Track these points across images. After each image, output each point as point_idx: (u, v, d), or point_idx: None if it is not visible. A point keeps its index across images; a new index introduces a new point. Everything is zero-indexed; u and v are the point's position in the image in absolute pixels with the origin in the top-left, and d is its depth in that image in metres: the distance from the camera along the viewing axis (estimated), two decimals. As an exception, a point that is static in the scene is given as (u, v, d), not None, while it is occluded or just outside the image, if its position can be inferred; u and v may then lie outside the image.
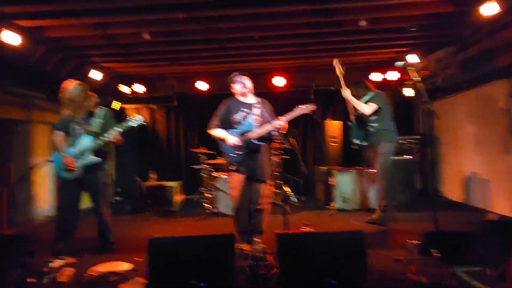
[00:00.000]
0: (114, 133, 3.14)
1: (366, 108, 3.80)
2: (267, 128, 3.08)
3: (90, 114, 3.26)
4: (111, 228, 3.41)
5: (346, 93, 3.84)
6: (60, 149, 3.25)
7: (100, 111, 3.33)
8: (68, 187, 3.25)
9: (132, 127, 3.20)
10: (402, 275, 2.46)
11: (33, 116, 5.21)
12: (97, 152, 3.22)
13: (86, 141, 3.18)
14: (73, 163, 3.15)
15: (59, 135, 3.30)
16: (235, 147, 3.13)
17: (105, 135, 3.15)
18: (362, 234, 2.33)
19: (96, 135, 3.21)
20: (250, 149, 3.15)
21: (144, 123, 3.24)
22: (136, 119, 3.17)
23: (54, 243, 3.20)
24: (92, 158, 3.20)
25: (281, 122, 2.99)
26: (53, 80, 4.97)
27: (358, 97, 3.97)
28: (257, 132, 3.12)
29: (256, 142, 3.14)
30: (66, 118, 3.25)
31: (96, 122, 3.26)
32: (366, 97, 3.93)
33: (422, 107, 3.35)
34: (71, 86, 3.16)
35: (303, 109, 3.02)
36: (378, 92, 3.99)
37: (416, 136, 5.64)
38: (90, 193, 3.32)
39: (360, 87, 4.01)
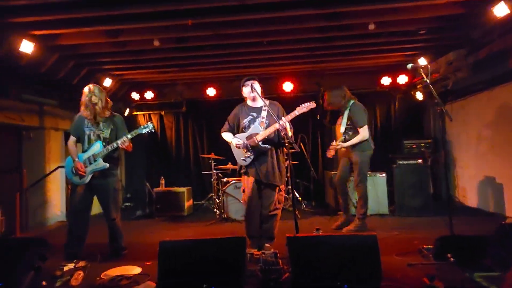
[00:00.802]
0: (124, 140, 3.17)
1: (366, 133, 3.87)
2: (270, 129, 3.09)
3: (104, 120, 3.32)
4: (122, 233, 3.43)
5: (344, 145, 3.93)
6: (72, 154, 3.30)
7: (113, 117, 3.39)
8: (78, 192, 3.27)
9: (141, 134, 3.24)
10: (417, 280, 2.40)
11: (45, 123, 5.31)
12: (108, 157, 3.25)
13: (97, 147, 3.23)
14: (82, 168, 3.19)
15: (72, 140, 3.36)
16: (241, 150, 3.15)
17: (115, 141, 3.20)
18: (375, 238, 2.29)
19: (107, 141, 3.27)
20: (257, 152, 3.16)
21: (153, 130, 3.27)
22: (145, 126, 3.22)
23: (66, 248, 3.23)
24: (102, 164, 3.22)
25: (283, 122, 2.99)
26: (65, 87, 5.09)
27: (337, 105, 4.05)
28: (261, 134, 3.13)
29: (261, 144, 3.14)
30: (79, 121, 3.32)
31: (108, 128, 3.32)
32: (347, 111, 3.99)
33: (434, 110, 3.31)
34: (92, 88, 3.26)
35: (303, 108, 3.03)
36: (355, 102, 4.03)
37: (427, 140, 5.56)
38: (100, 198, 3.34)
39: (339, 95, 4.01)
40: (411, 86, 5.87)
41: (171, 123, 6.73)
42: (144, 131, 3.21)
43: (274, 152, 3.22)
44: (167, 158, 6.69)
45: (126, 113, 6.49)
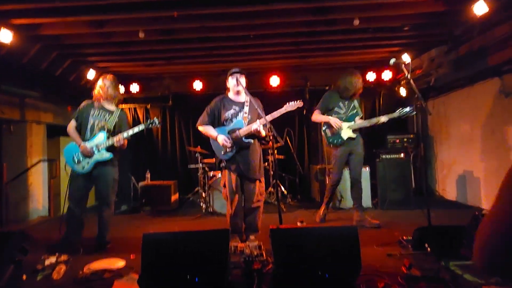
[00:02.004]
0: (127, 135, 3.22)
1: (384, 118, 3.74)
2: (254, 125, 3.09)
3: (110, 112, 3.34)
4: (109, 227, 3.42)
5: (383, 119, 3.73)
6: (76, 138, 3.29)
7: (119, 111, 3.40)
8: (78, 181, 3.28)
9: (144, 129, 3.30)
10: (396, 269, 2.48)
11: (27, 116, 5.18)
12: (110, 148, 3.26)
13: (101, 137, 3.25)
14: (90, 153, 3.20)
15: (72, 125, 3.34)
16: (229, 145, 3.15)
17: (114, 137, 3.22)
18: (355, 229, 2.34)
19: (111, 132, 3.29)
20: (239, 146, 3.17)
21: (159, 125, 3.34)
22: (152, 121, 3.28)
23: (65, 238, 3.25)
24: (105, 154, 3.25)
25: (267, 119, 3.01)
26: (48, 79, 4.97)
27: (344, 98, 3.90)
28: (244, 129, 3.13)
29: (244, 139, 3.15)
30: (86, 108, 3.33)
31: (113, 121, 3.33)
32: (357, 102, 3.89)
33: (415, 104, 3.38)
34: (106, 77, 3.35)
35: (290, 106, 3.05)
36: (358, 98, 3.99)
37: (410, 135, 5.69)
38: (99, 188, 3.33)
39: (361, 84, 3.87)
40: (395, 82, 5.98)
41: (157, 117, 6.66)
42: (151, 126, 3.27)
43: (254, 145, 3.23)
44: (153, 152, 6.64)
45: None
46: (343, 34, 4.40)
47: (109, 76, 3.36)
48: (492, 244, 0.75)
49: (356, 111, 3.88)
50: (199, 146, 5.31)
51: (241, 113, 3.21)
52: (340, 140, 3.82)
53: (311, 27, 4.16)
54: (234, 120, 3.21)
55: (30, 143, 5.27)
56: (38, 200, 5.33)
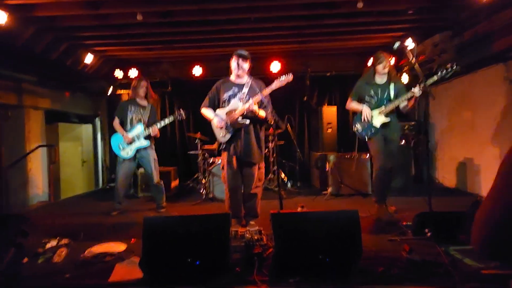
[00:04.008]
0: (160, 125, 4.12)
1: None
2: (248, 104, 3.04)
3: (145, 107, 4.21)
4: (162, 194, 4.32)
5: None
6: (120, 130, 4.12)
7: (148, 106, 4.26)
8: (124, 165, 4.14)
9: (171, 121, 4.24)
10: (396, 253, 2.49)
11: (24, 101, 5.12)
12: (147, 136, 4.10)
13: (139, 128, 4.10)
14: (131, 140, 4.07)
15: (116, 121, 4.18)
16: (221, 126, 3.12)
17: (151, 127, 4.08)
18: (356, 213, 2.33)
19: (146, 124, 4.13)
20: (236, 127, 3.13)
21: (184, 117, 4.17)
22: (180, 114, 4.11)
23: (114, 204, 4.24)
24: (145, 142, 4.11)
25: (259, 97, 2.96)
26: (44, 63, 4.88)
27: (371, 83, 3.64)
28: (240, 109, 3.09)
29: (240, 120, 3.12)
30: (124, 106, 4.18)
31: (146, 114, 4.18)
32: (393, 85, 3.55)
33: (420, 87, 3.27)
34: (141, 80, 4.25)
35: (281, 81, 2.99)
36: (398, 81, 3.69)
37: (411, 123, 5.65)
38: (144, 167, 4.26)
39: (390, 65, 3.59)
40: (397, 69, 5.90)
41: (156, 103, 6.60)
42: (178, 118, 4.12)
43: (253, 128, 3.17)
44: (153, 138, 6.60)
45: (109, 92, 6.32)
46: (345, 18, 4.31)
47: (143, 81, 4.25)
48: (489, 227, 0.73)
49: (387, 94, 3.56)
50: (199, 132, 5.28)
51: (239, 94, 3.16)
52: (373, 129, 3.56)
53: (313, 10, 4.07)
54: (232, 101, 3.17)
55: (29, 129, 5.23)
56: (38, 186, 5.33)
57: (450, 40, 4.57)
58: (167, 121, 4.14)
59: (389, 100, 3.54)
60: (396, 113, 3.59)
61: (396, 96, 3.52)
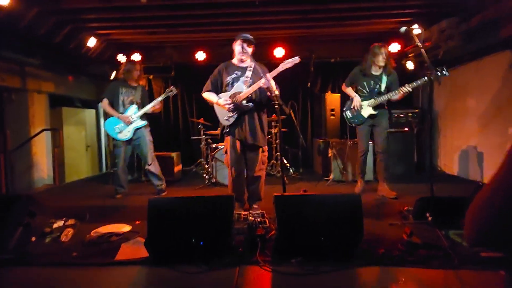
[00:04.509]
0: (155, 103, 4.08)
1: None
2: (254, 87, 3.03)
3: (136, 88, 4.17)
4: (159, 177, 4.27)
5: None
6: (113, 112, 4.06)
7: (139, 86, 4.22)
8: (123, 148, 4.12)
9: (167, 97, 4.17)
10: (397, 237, 2.53)
11: (28, 85, 5.12)
12: (142, 116, 4.08)
13: (133, 109, 4.08)
14: (129, 120, 4.03)
15: (106, 102, 4.09)
16: (225, 109, 3.11)
17: (151, 103, 4.08)
18: (358, 197, 2.36)
19: (139, 104, 4.11)
20: (240, 111, 3.13)
21: (175, 93, 4.21)
22: (171, 90, 4.09)
23: (116, 190, 4.24)
24: (141, 122, 4.09)
25: (266, 79, 2.96)
26: (48, 46, 4.86)
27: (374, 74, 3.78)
28: (244, 92, 3.08)
29: (244, 103, 3.11)
30: (114, 87, 4.12)
31: (139, 94, 4.15)
32: (385, 77, 3.72)
33: (423, 75, 3.29)
34: (134, 63, 4.26)
35: (287, 63, 2.97)
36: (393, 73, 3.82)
37: (415, 110, 5.63)
38: (140, 149, 4.19)
39: (387, 58, 3.74)
40: (402, 55, 5.83)
41: (160, 88, 6.59)
42: (170, 94, 4.11)
43: (257, 112, 3.18)
44: (156, 123, 6.60)
45: (112, 76, 6.30)
46: (351, 2, 4.24)
47: (138, 64, 4.25)
48: (486, 214, 0.73)
49: (379, 87, 3.76)
50: (202, 118, 5.28)
51: (243, 77, 3.15)
52: (361, 118, 3.85)
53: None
54: (235, 84, 3.16)
55: (33, 113, 5.25)
56: (43, 169, 5.39)
57: (457, 26, 4.50)
58: (159, 99, 4.08)
59: (379, 93, 3.74)
60: (386, 103, 3.80)
61: (388, 88, 3.72)
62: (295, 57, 2.97)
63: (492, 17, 3.90)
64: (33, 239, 2.58)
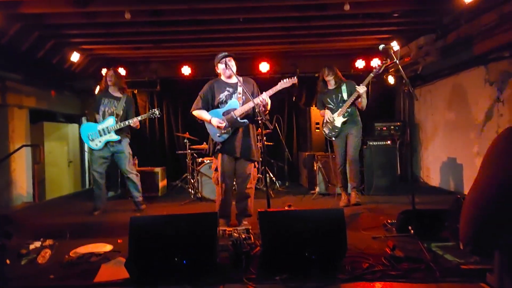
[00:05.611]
0: (135, 121, 3.92)
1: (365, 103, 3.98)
2: (250, 104, 3.06)
3: (118, 99, 4.03)
4: (137, 189, 4.16)
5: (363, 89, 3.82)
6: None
7: (126, 98, 4.08)
8: (96, 156, 4.02)
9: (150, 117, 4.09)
10: (380, 251, 2.55)
11: (9, 100, 5.01)
12: (119, 130, 3.93)
13: (110, 121, 3.93)
14: (100, 133, 3.93)
15: (97, 117, 4.05)
16: (219, 127, 3.12)
17: (127, 120, 3.92)
18: (342, 212, 2.38)
19: (119, 117, 3.96)
20: (234, 127, 3.14)
21: (159, 116, 4.03)
22: (153, 112, 3.96)
23: (94, 207, 4.11)
24: (115, 136, 3.93)
25: (263, 97, 2.99)
26: (30, 61, 4.79)
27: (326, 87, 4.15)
28: (239, 109, 3.11)
29: (240, 120, 3.13)
30: (98, 100, 4.05)
31: (121, 107, 4.00)
32: (344, 87, 4.03)
33: (404, 93, 3.43)
34: (108, 72, 4.08)
35: (285, 83, 3.01)
36: (349, 81, 4.13)
37: (397, 123, 5.76)
38: (118, 161, 4.08)
39: (333, 73, 4.07)
40: (383, 70, 6.01)
41: (145, 102, 6.55)
42: (152, 116, 3.98)
43: (250, 127, 3.21)
44: (141, 137, 6.54)
45: (96, 91, 6.24)
46: (334, 20, 4.37)
47: (109, 70, 4.10)
48: (475, 212, 0.76)
49: (341, 96, 4.03)
50: (187, 132, 5.26)
51: (235, 94, 3.18)
52: (336, 130, 4.07)
53: (302, 11, 4.12)
54: (229, 101, 3.17)
55: (12, 128, 5.12)
56: (22, 186, 5.22)
57: (434, 42, 4.69)
58: (139, 118, 3.96)
59: (344, 101, 4.01)
60: (355, 111, 4.08)
61: (350, 94, 3.97)
62: (294, 77, 3.03)
63: (466, 34, 4.09)
64: (8, 261, 2.48)
